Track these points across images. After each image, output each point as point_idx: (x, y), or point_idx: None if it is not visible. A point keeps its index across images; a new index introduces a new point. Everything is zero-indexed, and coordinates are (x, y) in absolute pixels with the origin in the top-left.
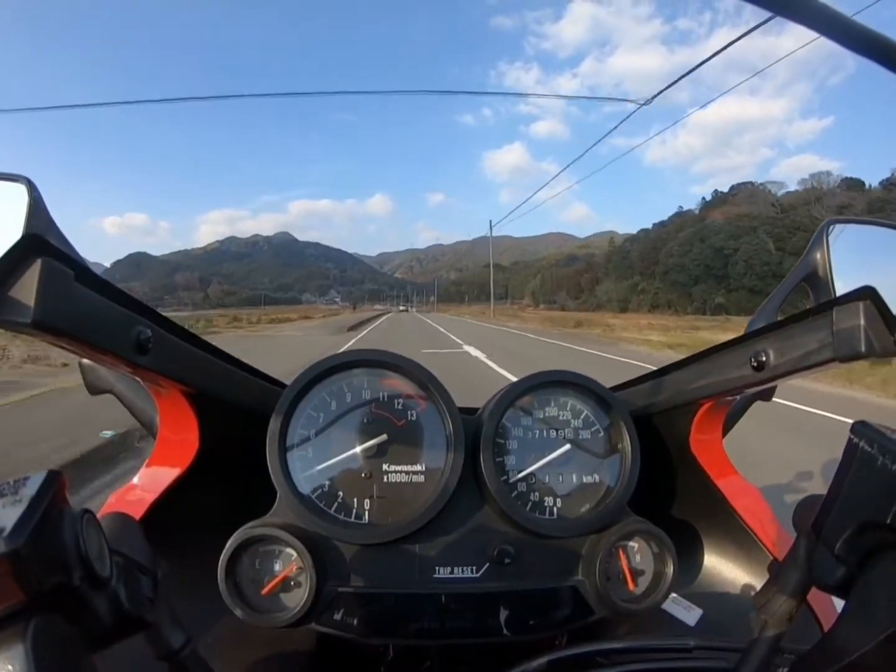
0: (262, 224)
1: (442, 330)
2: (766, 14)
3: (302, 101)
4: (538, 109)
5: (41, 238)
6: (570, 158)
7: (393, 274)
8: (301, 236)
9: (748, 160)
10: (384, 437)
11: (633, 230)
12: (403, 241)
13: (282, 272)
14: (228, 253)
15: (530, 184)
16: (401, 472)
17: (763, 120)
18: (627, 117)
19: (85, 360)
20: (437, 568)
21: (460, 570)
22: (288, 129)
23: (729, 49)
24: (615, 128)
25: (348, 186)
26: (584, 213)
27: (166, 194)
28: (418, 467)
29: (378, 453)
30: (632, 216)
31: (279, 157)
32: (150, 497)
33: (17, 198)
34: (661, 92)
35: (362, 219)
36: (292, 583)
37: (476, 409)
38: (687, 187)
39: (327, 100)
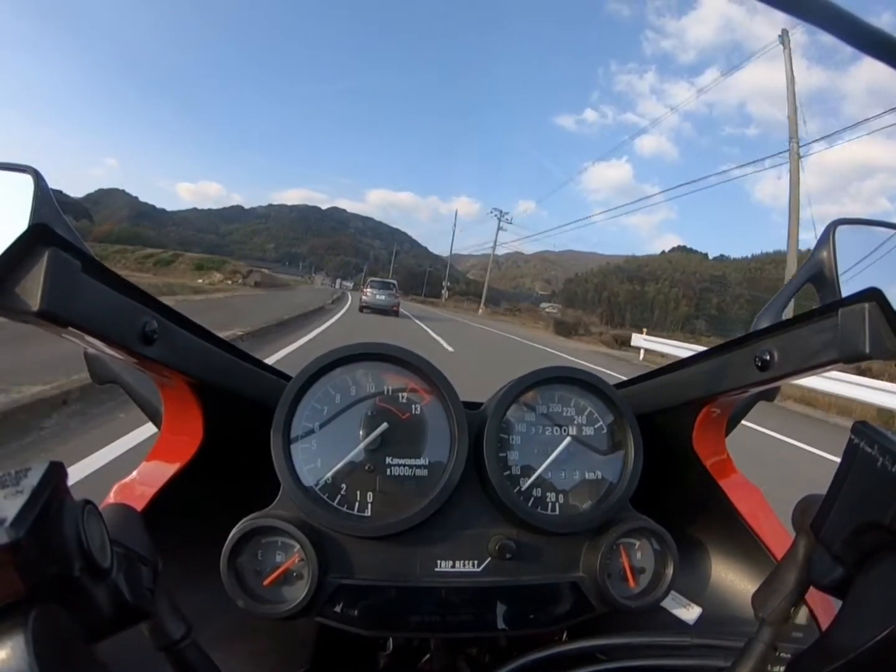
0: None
1: None
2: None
3: (389, 93)
4: (646, 121)
5: (48, 228)
6: (674, 181)
7: (466, 274)
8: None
9: (862, 209)
10: (385, 425)
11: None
12: (479, 248)
13: (297, 240)
14: (251, 213)
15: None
16: (404, 465)
17: (893, 167)
18: None
19: (90, 350)
20: (438, 562)
21: (461, 565)
22: (374, 120)
23: (877, 77)
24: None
25: (432, 183)
26: (677, 240)
27: (246, 170)
28: (421, 461)
29: (381, 446)
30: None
31: (363, 146)
32: (153, 488)
33: (23, 188)
34: None
35: (445, 218)
36: (294, 574)
37: (480, 404)
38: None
39: (416, 90)
